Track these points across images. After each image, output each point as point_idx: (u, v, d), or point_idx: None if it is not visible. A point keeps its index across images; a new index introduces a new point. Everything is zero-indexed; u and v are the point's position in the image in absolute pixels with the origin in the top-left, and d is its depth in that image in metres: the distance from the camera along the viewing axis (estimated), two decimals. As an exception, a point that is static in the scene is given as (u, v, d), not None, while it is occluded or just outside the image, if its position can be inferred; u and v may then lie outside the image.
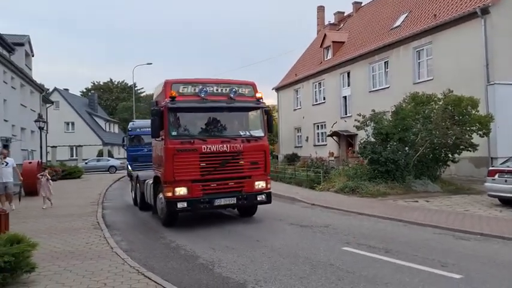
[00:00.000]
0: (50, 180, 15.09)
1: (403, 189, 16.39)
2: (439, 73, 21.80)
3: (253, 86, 11.22)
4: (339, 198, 15.39)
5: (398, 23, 26.65)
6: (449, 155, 17.63)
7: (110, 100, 78.65)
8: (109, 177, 32.32)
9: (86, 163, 41.43)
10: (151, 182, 12.02)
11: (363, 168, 17.96)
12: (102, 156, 48.53)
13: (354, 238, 8.98)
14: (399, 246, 8.17)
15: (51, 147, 46.01)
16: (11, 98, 26.80)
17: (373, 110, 18.41)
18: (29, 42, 33.38)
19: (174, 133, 10.17)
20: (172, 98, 10.03)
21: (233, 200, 10.52)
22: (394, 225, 10.59)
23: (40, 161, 22.19)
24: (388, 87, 25.73)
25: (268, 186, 10.98)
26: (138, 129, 27.37)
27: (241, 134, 10.89)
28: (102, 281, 6.17)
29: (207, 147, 10.09)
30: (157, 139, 10.76)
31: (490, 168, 13.25)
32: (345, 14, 39.41)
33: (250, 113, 11.38)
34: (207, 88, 10.39)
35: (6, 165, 13.26)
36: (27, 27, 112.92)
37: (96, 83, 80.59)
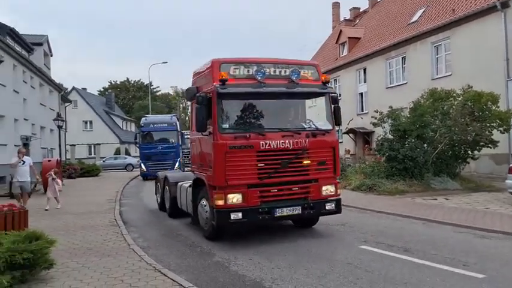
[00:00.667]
0: (57, 180, 14.53)
1: (422, 186, 16.12)
2: (457, 68, 21.42)
3: (317, 67, 9.38)
4: (355, 196, 15.21)
5: (415, 18, 26.25)
6: (469, 152, 17.30)
7: (126, 99, 79.48)
8: (126, 175, 32.63)
9: (103, 161, 41.94)
10: (187, 185, 10.35)
11: (380, 165, 17.73)
12: (120, 154, 49.05)
13: (371, 236, 8.85)
14: (418, 244, 8.02)
15: (70, 145, 46.66)
16: (31, 98, 27.30)
17: (391, 107, 18.16)
18: (48, 42, 33.94)
19: (225, 125, 8.28)
20: (223, 82, 8.10)
21: (298, 210, 8.45)
22: (413, 223, 10.42)
23: (59, 159, 22.50)
24: (405, 83, 25.39)
25: (338, 191, 9.07)
26: (151, 125, 26.11)
27: (306, 126, 9.01)
28: (119, 277, 6.20)
29: (266, 144, 8.16)
30: (203, 133, 8.53)
31: (511, 165, 12.92)
32: (361, 10, 39.00)
33: (313, 100, 9.46)
34: (264, 69, 8.44)
35: (23, 163, 13.11)
36: (46, 27, 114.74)
37: (113, 82, 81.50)
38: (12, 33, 24.83)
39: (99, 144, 49.14)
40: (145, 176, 25.52)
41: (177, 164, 25.74)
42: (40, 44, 31.80)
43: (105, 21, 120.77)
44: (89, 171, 31.27)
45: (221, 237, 8.74)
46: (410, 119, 17.06)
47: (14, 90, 23.73)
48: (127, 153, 51.80)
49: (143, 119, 27.65)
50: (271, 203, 8.28)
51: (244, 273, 6.60)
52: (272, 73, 8.63)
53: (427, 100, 17.86)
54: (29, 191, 13.83)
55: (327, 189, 8.77)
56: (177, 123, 27.18)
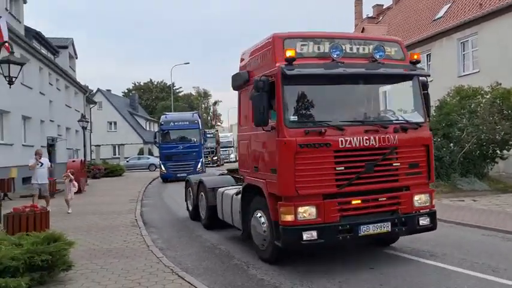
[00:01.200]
0: (74, 182, 13.58)
1: (449, 187, 15.64)
2: (485, 65, 20.67)
3: (400, 44, 7.49)
4: (379, 197, 14.85)
5: (440, 14, 25.52)
6: (498, 152, 16.70)
7: (150, 100, 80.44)
8: (149, 175, 32.91)
9: (127, 161, 42.51)
10: (232, 192, 8.68)
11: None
12: (143, 154, 49.66)
13: (397, 241, 8.55)
14: (445, 249, 7.71)
15: (95, 146, 47.52)
16: (56, 99, 27.84)
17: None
18: (73, 45, 34.59)
19: (293, 118, 6.54)
20: (290, 61, 6.32)
21: (387, 227, 6.57)
22: (439, 225, 9.90)
23: (83, 159, 22.81)
24: (431, 81, 24.62)
25: (433, 202, 7.15)
26: (171, 123, 25.10)
27: (392, 119, 7.18)
28: (136, 280, 6.15)
29: (346, 141, 6.36)
30: (264, 128, 6.58)
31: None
32: (384, 7, 38.32)
33: (398, 85, 7.57)
34: (341, 46, 6.70)
35: (41, 165, 12.71)
36: (74, 29, 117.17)
37: (136, 84, 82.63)
38: (38, 36, 25.37)
39: (123, 144, 49.86)
40: (166, 178, 24.60)
41: (199, 164, 24.80)
42: (65, 47, 32.42)
43: (132, 23, 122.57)
44: (113, 171, 31.74)
45: (280, 260, 6.99)
46: (436, 118, 16.56)
47: (40, 92, 24.22)
48: (150, 153, 52.41)
49: (163, 116, 26.62)
50: (353, 218, 6.47)
51: (262, 277, 6.47)
52: (349, 51, 6.91)
53: (454, 98, 17.31)
54: (47, 194, 13.28)
55: (420, 199, 6.89)
56: (199, 121, 26.04)
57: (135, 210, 13.15)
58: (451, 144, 16.56)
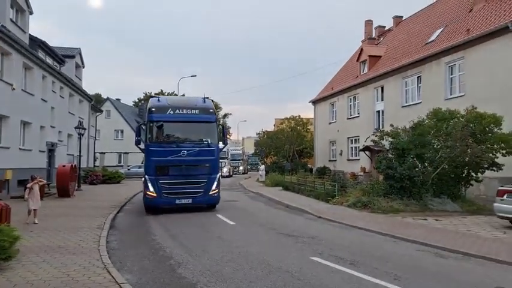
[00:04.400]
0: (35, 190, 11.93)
1: (419, 206, 16.00)
2: (470, 89, 21.06)
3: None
4: (348, 213, 15.31)
5: (433, 37, 26.05)
6: (473, 174, 17.01)
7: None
8: (146, 183, 33.68)
9: (128, 169, 43.45)
10: None
11: (380, 183, 17.73)
12: (146, 163, 50.54)
13: (330, 249, 9.08)
14: (368, 259, 8.20)
15: (100, 153, 48.71)
16: (59, 106, 28.91)
17: (392, 125, 18.17)
18: (80, 55, 35.85)
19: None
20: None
21: None
22: (383, 240, 10.52)
23: (74, 164, 23.59)
24: (420, 103, 25.13)
25: None
26: (169, 111, 15.27)
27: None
28: (68, 272, 6.78)
29: None
30: None
31: (499, 188, 12.72)
32: (386, 28, 38.92)
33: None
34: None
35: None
36: (91, 40, 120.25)
37: (147, 94, 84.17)
38: (43, 46, 26.53)
39: (127, 153, 50.87)
40: (155, 206, 15.06)
41: (214, 185, 15.42)
42: (72, 57, 33.67)
43: (150, 38, 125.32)
44: (110, 178, 32.64)
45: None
46: (409, 138, 17.02)
47: (42, 99, 25.27)
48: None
49: (153, 100, 16.28)
50: None
51: (186, 275, 7.05)
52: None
53: (431, 120, 17.75)
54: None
55: None
56: (214, 109, 16.57)
57: (109, 215, 13.80)
58: (426, 164, 16.94)
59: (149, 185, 14.81)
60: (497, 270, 7.65)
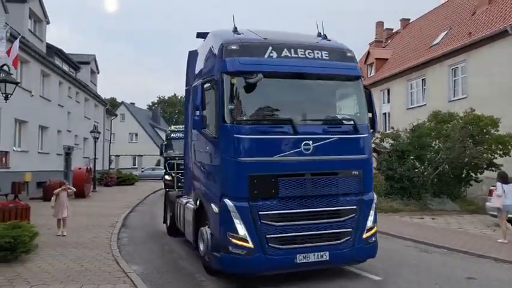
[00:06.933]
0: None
1: (418, 206, 16.55)
2: (473, 92, 21.49)
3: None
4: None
5: (437, 40, 26.48)
6: (472, 174, 17.49)
7: (173, 113, 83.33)
8: (159, 185, 34.65)
9: (142, 171, 44.63)
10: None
11: (381, 184, 18.30)
12: (159, 165, 51.71)
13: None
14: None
15: (115, 156, 50.01)
16: (75, 111, 30.13)
17: (392, 127, 18.73)
18: (95, 61, 37.18)
19: None
20: None
21: None
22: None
23: (89, 167, 24.63)
24: (424, 105, 25.58)
25: None
26: (270, 53, 6.97)
27: None
28: (81, 263, 7.62)
29: None
30: None
31: (490, 187, 13.20)
32: (394, 31, 39.30)
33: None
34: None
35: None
36: (108, 45, 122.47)
37: (161, 97, 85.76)
38: (59, 53, 27.75)
39: (141, 155, 52.13)
40: (251, 273, 6.74)
41: (370, 215, 7.35)
42: (88, 63, 34.98)
43: (167, 41, 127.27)
44: (125, 180, 33.70)
45: None
46: (409, 140, 17.57)
47: (58, 104, 26.46)
48: (168, 164, 54.37)
49: (222, 34, 7.46)
50: None
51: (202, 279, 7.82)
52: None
53: (431, 122, 18.27)
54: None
55: None
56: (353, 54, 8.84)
57: (121, 214, 14.67)
58: (425, 165, 17.47)
59: (235, 222, 6.48)
60: (474, 263, 8.27)
